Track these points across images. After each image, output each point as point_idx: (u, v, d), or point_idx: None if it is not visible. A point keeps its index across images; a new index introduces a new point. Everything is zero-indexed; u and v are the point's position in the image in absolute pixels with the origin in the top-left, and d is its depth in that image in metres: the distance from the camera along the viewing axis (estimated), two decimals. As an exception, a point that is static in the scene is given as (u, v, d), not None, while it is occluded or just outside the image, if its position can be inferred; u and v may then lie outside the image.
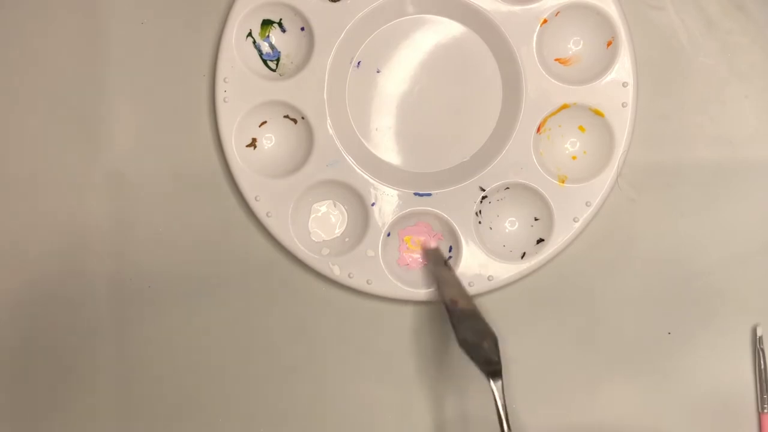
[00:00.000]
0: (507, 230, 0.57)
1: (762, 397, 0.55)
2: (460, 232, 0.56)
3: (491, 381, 0.48)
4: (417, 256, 0.57)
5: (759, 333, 0.56)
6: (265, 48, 0.58)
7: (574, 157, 0.57)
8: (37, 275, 0.59)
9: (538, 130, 0.56)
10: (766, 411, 0.55)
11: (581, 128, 0.56)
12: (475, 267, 0.56)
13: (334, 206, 0.58)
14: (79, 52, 0.59)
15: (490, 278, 0.56)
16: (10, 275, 0.59)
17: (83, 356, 0.59)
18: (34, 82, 0.59)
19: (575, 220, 0.55)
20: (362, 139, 0.57)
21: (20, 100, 0.59)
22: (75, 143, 0.59)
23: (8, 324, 0.59)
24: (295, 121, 0.57)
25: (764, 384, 0.55)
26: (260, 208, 0.56)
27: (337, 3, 0.56)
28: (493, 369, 0.49)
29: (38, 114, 0.59)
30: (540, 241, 0.56)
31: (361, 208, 0.57)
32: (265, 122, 0.57)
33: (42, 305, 0.59)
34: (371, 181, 0.56)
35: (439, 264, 0.55)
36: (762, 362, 0.55)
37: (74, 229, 0.59)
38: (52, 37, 0.59)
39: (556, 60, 0.57)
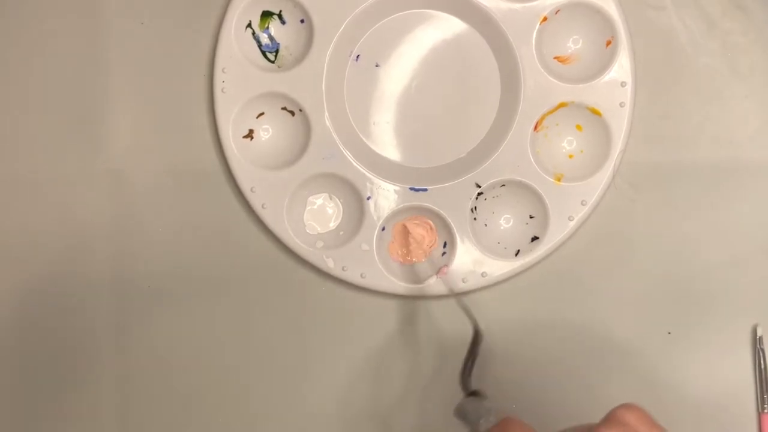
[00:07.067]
0: (502, 227, 0.57)
1: (762, 397, 0.55)
2: (455, 228, 0.56)
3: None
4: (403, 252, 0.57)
5: (759, 333, 0.56)
6: (264, 39, 0.58)
7: (570, 156, 0.57)
8: (37, 274, 0.59)
9: (536, 127, 0.56)
10: (766, 411, 0.55)
11: (578, 127, 0.56)
12: (469, 263, 0.56)
13: (330, 199, 0.58)
14: (79, 51, 0.59)
15: (484, 275, 0.56)
16: (10, 275, 0.59)
17: (83, 356, 0.59)
18: (34, 81, 0.59)
19: (570, 218, 0.55)
20: (359, 133, 0.58)
21: (20, 99, 0.59)
22: (74, 142, 0.59)
23: (8, 324, 0.59)
24: (292, 113, 0.57)
25: (764, 384, 0.55)
26: (256, 200, 0.56)
27: (337, -4, 0.56)
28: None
29: (38, 113, 0.59)
30: (535, 238, 0.56)
31: (356, 201, 0.57)
32: (263, 114, 0.57)
33: (41, 304, 0.59)
34: (367, 175, 0.56)
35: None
36: (762, 362, 0.55)
37: (73, 227, 0.59)
38: (52, 37, 0.59)
39: (555, 58, 0.57)
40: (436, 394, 0.57)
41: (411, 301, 0.57)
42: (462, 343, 0.52)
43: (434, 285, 0.55)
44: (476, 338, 0.51)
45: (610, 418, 0.39)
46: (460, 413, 0.45)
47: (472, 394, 0.46)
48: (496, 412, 0.43)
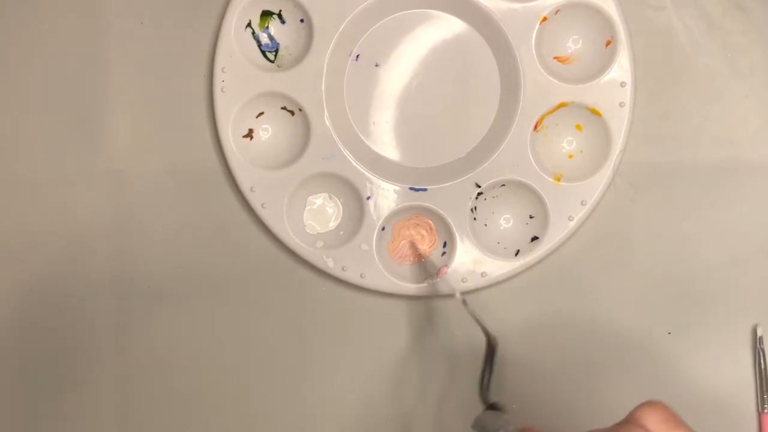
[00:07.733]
0: (502, 227, 0.57)
1: (762, 397, 0.55)
2: (454, 228, 0.56)
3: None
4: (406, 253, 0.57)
5: (759, 333, 0.56)
6: (264, 39, 0.58)
7: (570, 156, 0.57)
8: (37, 274, 0.59)
9: (535, 127, 0.56)
10: (766, 411, 0.55)
11: (578, 127, 0.56)
12: (469, 263, 0.56)
13: (330, 199, 0.58)
14: (79, 51, 0.59)
15: (484, 275, 0.55)
16: (10, 275, 0.59)
17: (83, 356, 0.59)
18: (34, 81, 0.59)
19: (570, 218, 0.55)
20: (359, 133, 0.57)
21: (20, 99, 0.59)
22: (74, 142, 0.59)
23: (8, 324, 0.59)
24: (292, 113, 0.57)
25: (764, 384, 0.55)
26: (255, 200, 0.56)
27: (337, -5, 0.56)
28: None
29: (38, 113, 0.59)
30: (534, 239, 0.56)
31: (356, 201, 0.57)
32: (263, 113, 0.57)
33: (41, 304, 0.59)
34: (367, 174, 0.56)
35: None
36: (762, 362, 0.55)
37: (73, 227, 0.59)
38: (52, 37, 0.59)
39: (554, 58, 0.57)
40: (436, 393, 0.57)
41: (413, 300, 0.57)
42: (463, 339, 0.53)
43: (436, 284, 0.55)
44: (491, 349, 0.50)
45: (628, 420, 0.36)
46: (479, 426, 0.45)
47: (491, 407, 0.46)
48: (516, 423, 0.43)
